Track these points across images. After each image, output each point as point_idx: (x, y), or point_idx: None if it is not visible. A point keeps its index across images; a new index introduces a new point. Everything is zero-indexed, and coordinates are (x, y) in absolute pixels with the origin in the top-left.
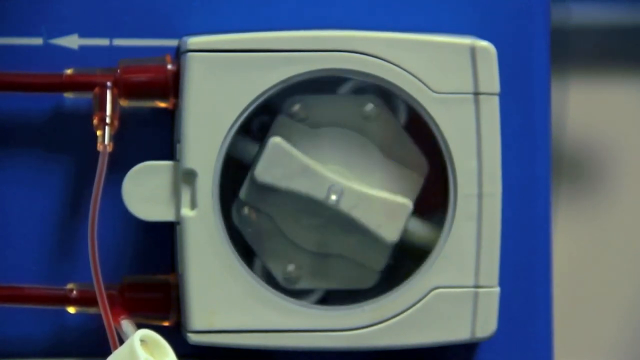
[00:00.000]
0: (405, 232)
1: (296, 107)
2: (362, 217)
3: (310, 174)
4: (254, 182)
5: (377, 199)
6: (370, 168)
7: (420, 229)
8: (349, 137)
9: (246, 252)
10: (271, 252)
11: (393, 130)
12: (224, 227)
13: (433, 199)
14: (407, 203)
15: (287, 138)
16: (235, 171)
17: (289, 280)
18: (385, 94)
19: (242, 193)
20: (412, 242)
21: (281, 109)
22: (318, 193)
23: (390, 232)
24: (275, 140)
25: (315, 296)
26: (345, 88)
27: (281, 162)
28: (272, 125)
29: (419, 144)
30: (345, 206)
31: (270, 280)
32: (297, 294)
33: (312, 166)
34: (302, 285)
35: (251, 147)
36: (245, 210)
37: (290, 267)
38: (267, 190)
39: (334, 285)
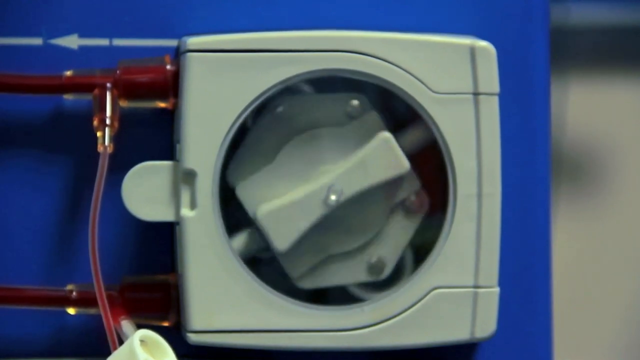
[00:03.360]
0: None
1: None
2: (370, 181)
3: (307, 200)
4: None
5: (364, 158)
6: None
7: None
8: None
9: (246, 252)
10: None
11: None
12: (224, 227)
13: (433, 199)
14: (386, 135)
15: (258, 188)
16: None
17: (378, 270)
18: (380, 93)
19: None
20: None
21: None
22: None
23: (399, 165)
24: (261, 213)
25: (409, 267)
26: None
27: (280, 221)
28: (240, 197)
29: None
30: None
31: (270, 280)
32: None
33: (303, 194)
34: (390, 266)
35: (252, 238)
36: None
37: (373, 259)
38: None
39: (403, 244)
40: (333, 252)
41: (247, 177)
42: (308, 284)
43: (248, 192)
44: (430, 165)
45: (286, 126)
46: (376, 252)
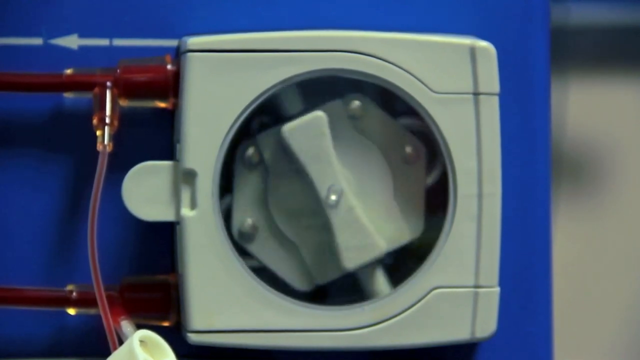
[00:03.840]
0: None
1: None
2: (339, 229)
3: (322, 165)
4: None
5: (362, 224)
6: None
7: (376, 282)
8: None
9: (246, 252)
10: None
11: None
12: (224, 227)
13: (433, 199)
14: (382, 246)
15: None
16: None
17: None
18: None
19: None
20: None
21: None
22: (321, 186)
23: (351, 260)
24: (318, 114)
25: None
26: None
27: (311, 136)
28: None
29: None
30: (339, 210)
31: (269, 280)
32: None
33: (328, 158)
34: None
35: (295, 103)
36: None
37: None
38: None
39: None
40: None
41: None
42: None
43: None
44: (430, 166)
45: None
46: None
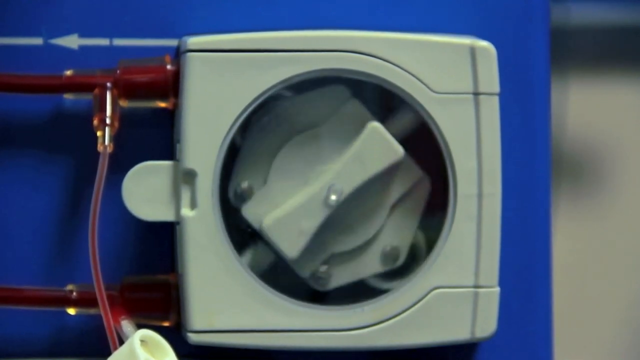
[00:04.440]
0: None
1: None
2: (368, 173)
3: (310, 203)
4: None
5: (360, 150)
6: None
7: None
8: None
9: (244, 250)
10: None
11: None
12: (224, 227)
13: (433, 199)
14: (375, 124)
15: (262, 202)
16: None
17: (389, 258)
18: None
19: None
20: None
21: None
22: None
23: (393, 152)
24: (266, 224)
25: (423, 254)
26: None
27: (286, 228)
28: (247, 217)
29: (418, 143)
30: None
31: (270, 280)
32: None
33: (304, 199)
34: (404, 252)
35: (256, 252)
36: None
37: (387, 248)
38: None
39: (414, 228)
40: (342, 249)
41: (251, 196)
42: (325, 286)
43: (252, 211)
44: (430, 165)
45: (276, 135)
46: (388, 241)
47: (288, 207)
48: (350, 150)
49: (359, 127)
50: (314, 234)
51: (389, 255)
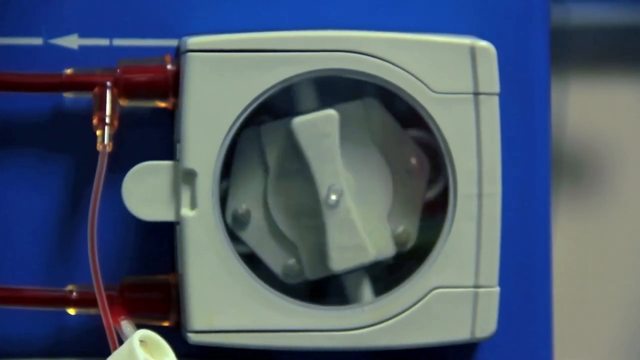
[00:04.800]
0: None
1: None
2: (332, 229)
3: (327, 163)
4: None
5: (356, 228)
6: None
7: (360, 288)
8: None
9: (246, 252)
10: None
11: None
12: (224, 227)
13: (433, 199)
14: (372, 254)
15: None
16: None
17: (400, 240)
18: (383, 94)
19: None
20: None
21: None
22: (322, 185)
23: (338, 262)
24: (331, 113)
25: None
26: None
27: (320, 133)
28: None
29: (418, 143)
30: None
31: (270, 280)
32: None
33: (333, 157)
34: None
35: (309, 99)
36: (242, 209)
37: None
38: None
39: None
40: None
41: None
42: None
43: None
44: (430, 165)
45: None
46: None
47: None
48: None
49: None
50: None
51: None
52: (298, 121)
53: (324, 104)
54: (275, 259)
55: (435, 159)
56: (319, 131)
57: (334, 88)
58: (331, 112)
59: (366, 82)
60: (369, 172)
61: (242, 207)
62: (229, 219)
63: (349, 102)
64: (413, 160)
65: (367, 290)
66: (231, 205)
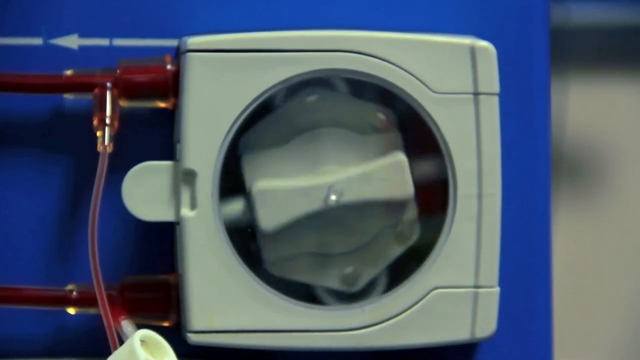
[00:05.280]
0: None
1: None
2: (372, 195)
3: (305, 190)
4: (264, 235)
5: (375, 171)
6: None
7: (425, 170)
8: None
9: (246, 252)
10: (318, 271)
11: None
12: (224, 227)
13: (433, 199)
14: (401, 157)
15: (263, 167)
16: (235, 171)
17: (350, 281)
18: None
19: (265, 251)
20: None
21: (241, 149)
22: (320, 202)
23: (404, 189)
24: (257, 188)
25: (381, 286)
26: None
27: (273, 201)
28: (243, 168)
29: (418, 143)
30: (351, 197)
31: (269, 280)
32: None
33: (303, 183)
34: (363, 280)
35: (237, 204)
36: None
37: (349, 270)
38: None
39: (383, 264)
40: (315, 251)
41: (257, 151)
42: (278, 271)
43: (252, 166)
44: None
45: (309, 117)
46: (356, 264)
47: (284, 185)
48: (366, 166)
49: (386, 151)
50: (296, 221)
51: (348, 277)
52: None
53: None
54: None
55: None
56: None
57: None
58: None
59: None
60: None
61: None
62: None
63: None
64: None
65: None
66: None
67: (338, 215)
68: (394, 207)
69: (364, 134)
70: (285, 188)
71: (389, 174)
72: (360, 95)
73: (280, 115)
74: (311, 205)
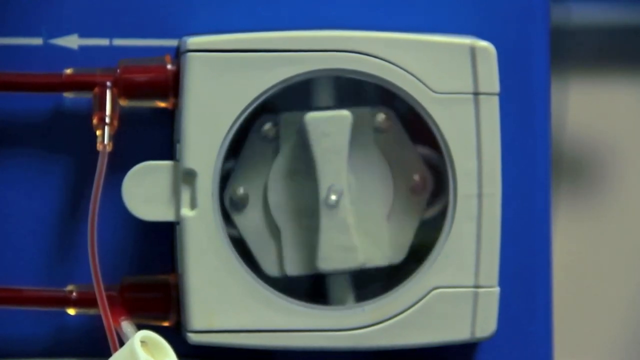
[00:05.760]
0: None
1: (267, 127)
2: (325, 229)
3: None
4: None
5: (349, 232)
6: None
7: (341, 290)
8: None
9: (246, 252)
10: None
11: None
12: (224, 227)
13: (433, 199)
14: (360, 260)
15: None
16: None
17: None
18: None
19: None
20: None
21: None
22: (324, 183)
23: (326, 262)
24: (345, 113)
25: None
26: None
27: (331, 132)
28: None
29: (419, 143)
30: (333, 211)
31: (269, 279)
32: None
33: (339, 158)
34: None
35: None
36: (240, 192)
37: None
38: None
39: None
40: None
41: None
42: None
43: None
44: (430, 165)
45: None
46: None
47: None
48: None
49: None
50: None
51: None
52: (310, 116)
53: (340, 104)
54: (262, 249)
55: (439, 179)
56: (330, 129)
57: (353, 90)
58: (345, 113)
59: (387, 91)
60: (371, 180)
61: (241, 191)
62: (227, 201)
63: (363, 107)
64: (417, 177)
65: (347, 292)
66: (232, 186)
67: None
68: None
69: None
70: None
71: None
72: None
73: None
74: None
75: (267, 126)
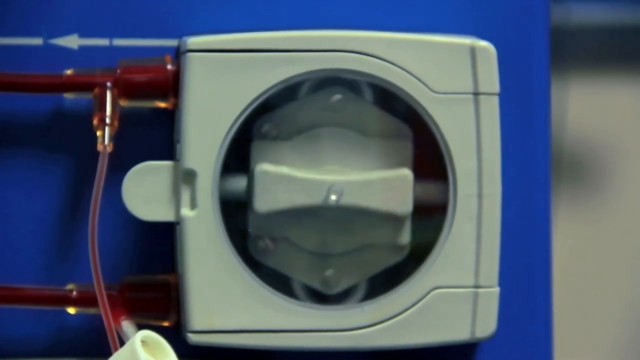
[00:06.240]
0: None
1: (265, 127)
2: (370, 204)
3: (305, 183)
4: (256, 214)
5: (378, 181)
6: (362, 154)
7: (427, 192)
8: (334, 134)
9: (246, 252)
10: (301, 267)
11: (367, 111)
12: (224, 227)
13: (433, 199)
14: (407, 173)
15: (270, 156)
16: (235, 171)
17: (329, 285)
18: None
19: (251, 227)
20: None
21: (253, 135)
22: (318, 198)
23: (403, 206)
24: (260, 169)
25: (360, 293)
26: (304, 90)
27: (274, 185)
28: (251, 152)
29: (419, 143)
30: (349, 200)
31: (269, 280)
32: (341, 298)
33: (304, 176)
34: (343, 285)
35: (239, 182)
36: (262, 243)
37: (329, 272)
38: (272, 216)
39: (372, 272)
40: (301, 245)
41: (268, 140)
42: (263, 258)
43: (260, 151)
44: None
45: (326, 115)
46: (339, 268)
47: (286, 172)
48: (370, 175)
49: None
50: (290, 211)
51: (327, 280)
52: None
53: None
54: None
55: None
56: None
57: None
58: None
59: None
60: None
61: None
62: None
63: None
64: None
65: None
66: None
67: (331, 215)
68: (389, 220)
69: (374, 139)
70: (286, 176)
71: (392, 187)
72: (384, 103)
73: (298, 107)
74: (308, 199)
75: (266, 127)
